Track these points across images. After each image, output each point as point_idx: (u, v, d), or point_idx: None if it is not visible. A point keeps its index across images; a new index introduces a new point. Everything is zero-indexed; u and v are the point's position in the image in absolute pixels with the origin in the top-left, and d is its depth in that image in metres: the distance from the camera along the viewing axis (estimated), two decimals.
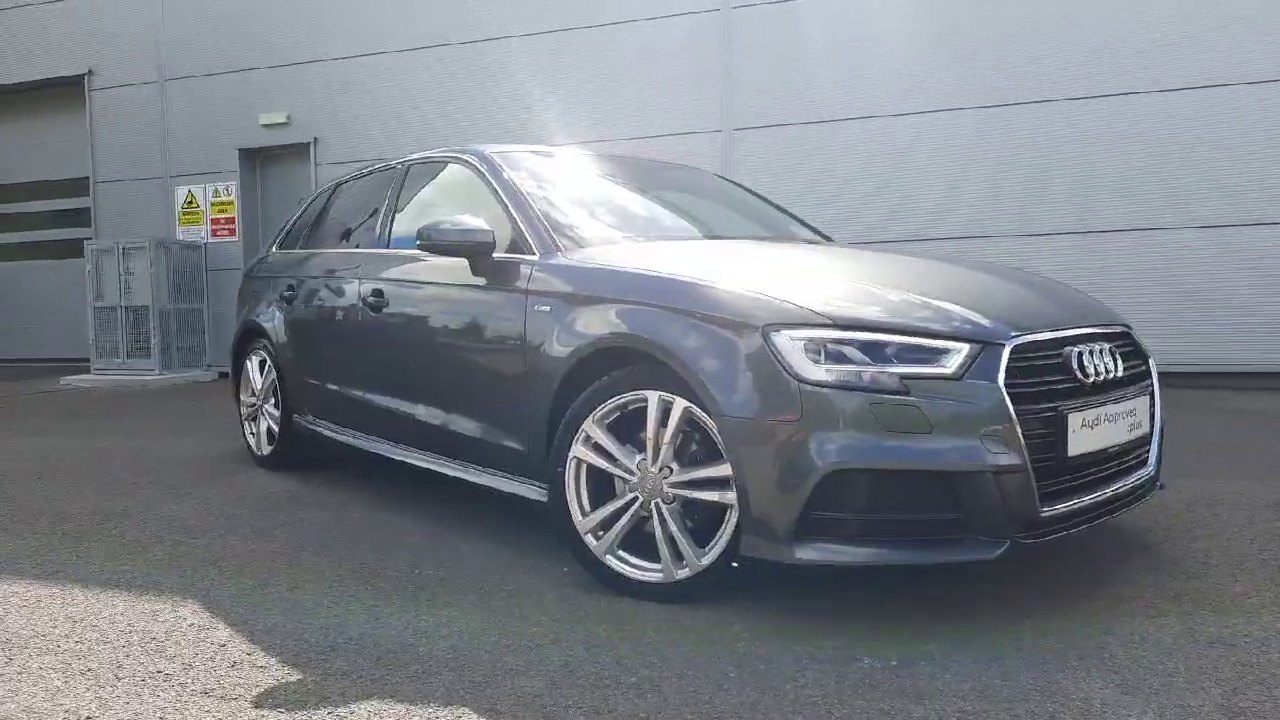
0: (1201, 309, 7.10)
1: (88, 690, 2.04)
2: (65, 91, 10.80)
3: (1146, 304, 6.97)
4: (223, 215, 10.14)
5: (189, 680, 2.09)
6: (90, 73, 10.60)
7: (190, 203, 10.24)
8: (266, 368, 4.60)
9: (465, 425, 3.25)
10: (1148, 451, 2.75)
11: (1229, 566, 2.73)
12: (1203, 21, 7.06)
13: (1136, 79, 7.20)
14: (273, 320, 4.55)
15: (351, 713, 1.91)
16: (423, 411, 3.48)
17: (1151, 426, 2.76)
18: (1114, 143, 7.28)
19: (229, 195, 10.10)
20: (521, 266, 3.05)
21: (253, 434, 4.73)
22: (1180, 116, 7.13)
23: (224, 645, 2.29)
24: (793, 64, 8.09)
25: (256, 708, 1.94)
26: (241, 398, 4.85)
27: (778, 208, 4.33)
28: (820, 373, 2.25)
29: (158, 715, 1.92)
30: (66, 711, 1.94)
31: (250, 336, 4.80)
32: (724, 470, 2.39)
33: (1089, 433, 2.41)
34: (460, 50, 9.14)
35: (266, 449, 4.60)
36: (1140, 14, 7.20)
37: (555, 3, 8.79)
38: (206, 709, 1.94)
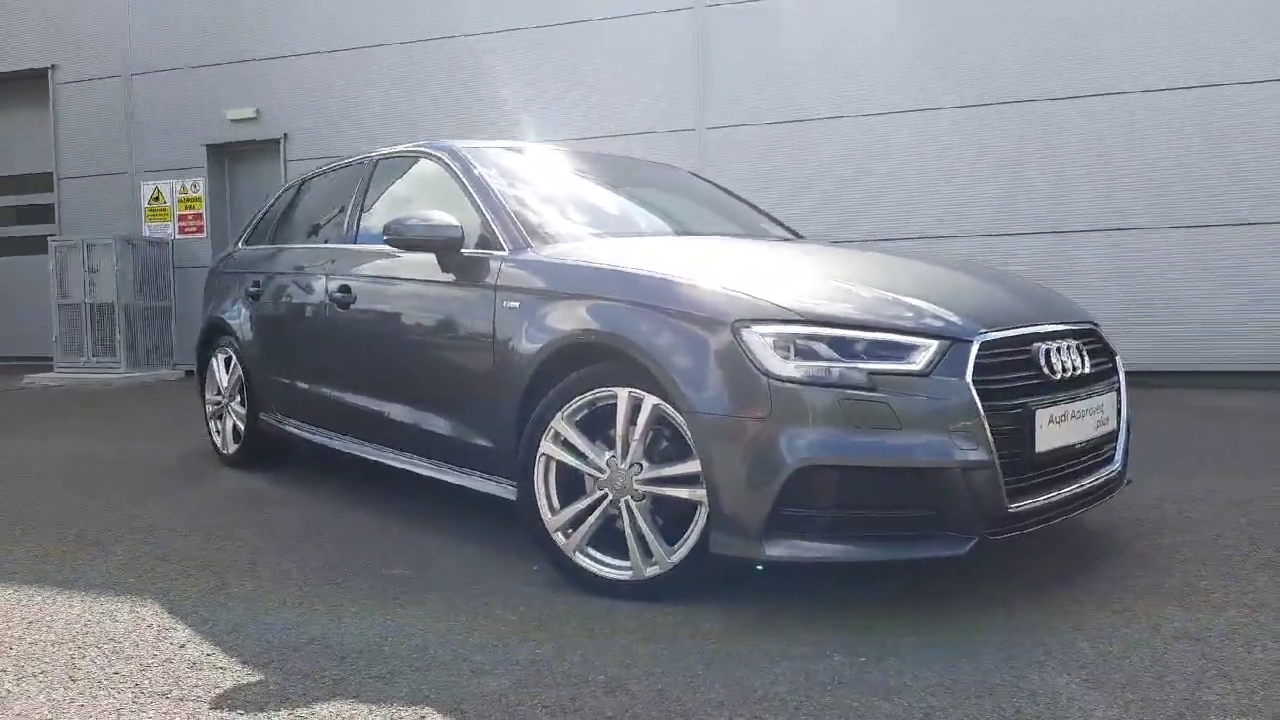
0: (1171, 308, 7.18)
1: (40, 693, 1.99)
2: (28, 85, 10.59)
3: (1116, 302, 7.04)
4: (190, 211, 10.00)
5: (146, 682, 2.04)
6: (54, 67, 10.41)
7: (157, 198, 10.09)
8: (232, 365, 4.53)
9: (434, 423, 3.21)
10: (1115, 448, 2.77)
11: (1195, 563, 2.75)
12: (1182, 22, 7.14)
13: (1117, 80, 7.26)
14: (238, 317, 4.49)
15: (313, 713, 1.87)
16: (391, 409, 3.43)
17: (1119, 423, 2.78)
18: (1089, 143, 7.34)
19: (196, 191, 9.96)
20: (490, 262, 3.02)
21: (218, 432, 4.65)
22: (1157, 116, 7.19)
23: (183, 646, 2.25)
24: (766, 63, 8.11)
25: (215, 709, 1.90)
26: (207, 396, 4.77)
27: (749, 204, 4.32)
28: (790, 369, 2.24)
29: (113, 717, 1.87)
30: (17, 715, 1.89)
31: (216, 334, 4.73)
32: (694, 467, 2.37)
33: (1056, 429, 2.42)
34: (434, 46, 9.07)
35: (232, 448, 4.53)
36: (1124, 14, 7.26)
37: (529, 0, 8.75)
38: (164, 711, 1.90)
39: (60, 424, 6.24)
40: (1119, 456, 2.78)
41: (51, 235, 9.93)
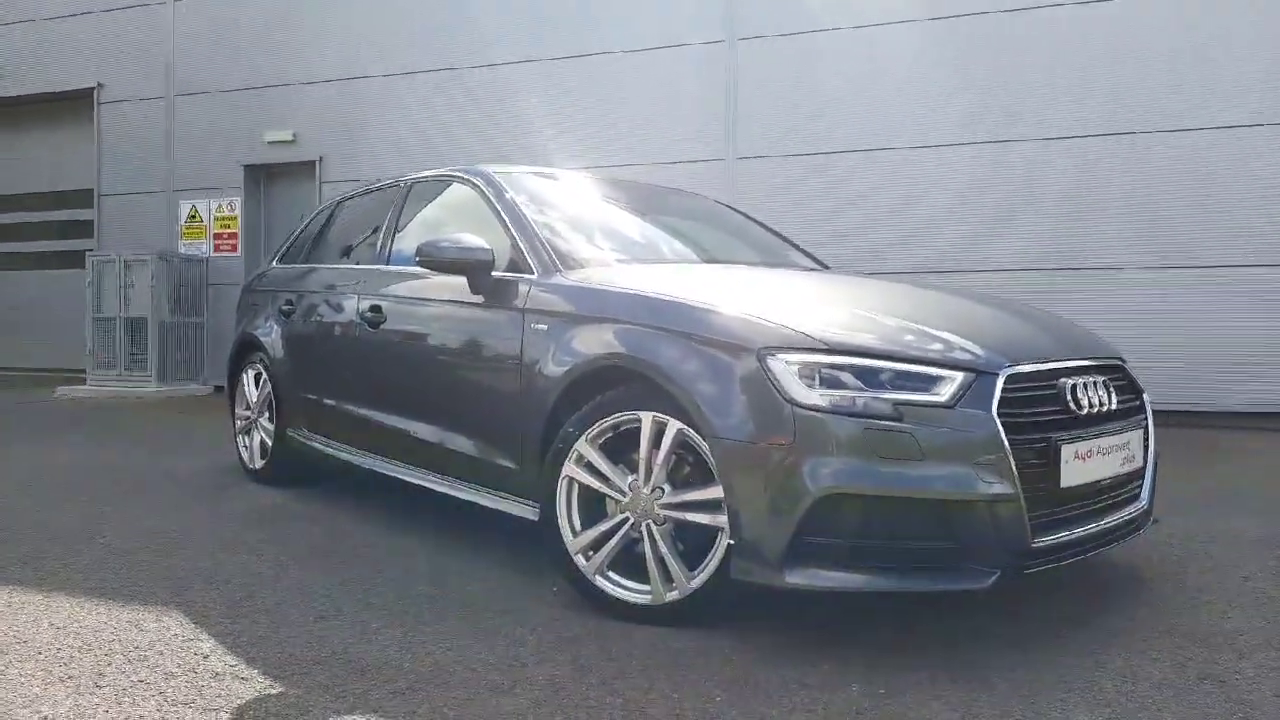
0: (1199, 349, 7.10)
1: (67, 698, 2.02)
2: (73, 104, 10.87)
3: (1145, 342, 6.97)
4: (225, 230, 10.17)
5: (170, 690, 2.07)
6: (99, 86, 10.67)
7: (193, 217, 10.28)
8: (262, 381, 4.59)
9: (459, 442, 3.24)
10: (1141, 485, 2.75)
11: (1221, 603, 2.72)
12: (1210, 61, 7.14)
13: (1145, 118, 7.25)
14: (270, 334, 4.56)
15: None
16: (417, 428, 3.47)
17: (1145, 460, 2.76)
18: (1121, 181, 7.31)
19: (232, 211, 10.14)
20: (520, 285, 3.06)
21: (246, 447, 4.71)
22: (1185, 157, 7.16)
23: (207, 656, 2.27)
24: (798, 95, 8.16)
25: (237, 719, 1.92)
26: (236, 410, 4.84)
27: (776, 234, 4.35)
28: (814, 397, 2.25)
29: None
30: (44, 718, 1.92)
31: (247, 349, 4.80)
32: (716, 492, 2.38)
33: (1082, 464, 2.41)
34: (467, 74, 9.22)
35: (259, 462, 4.59)
36: (1159, 52, 7.27)
37: (562, 30, 8.88)
38: (187, 719, 1.92)
39: (90, 435, 6.33)
40: (1145, 494, 2.76)
41: (90, 250, 10.14)
